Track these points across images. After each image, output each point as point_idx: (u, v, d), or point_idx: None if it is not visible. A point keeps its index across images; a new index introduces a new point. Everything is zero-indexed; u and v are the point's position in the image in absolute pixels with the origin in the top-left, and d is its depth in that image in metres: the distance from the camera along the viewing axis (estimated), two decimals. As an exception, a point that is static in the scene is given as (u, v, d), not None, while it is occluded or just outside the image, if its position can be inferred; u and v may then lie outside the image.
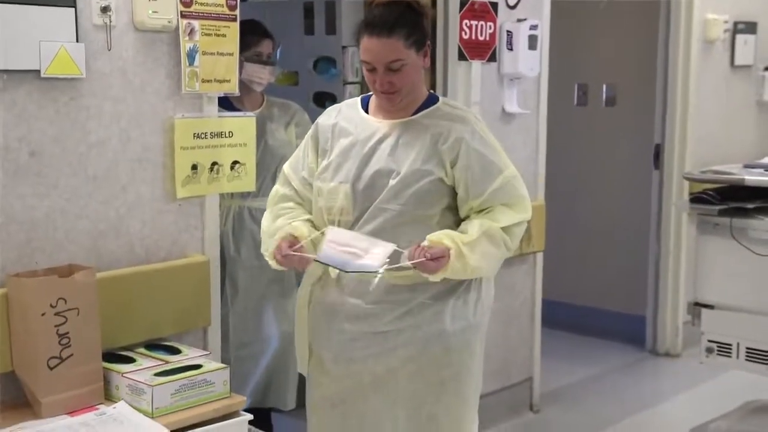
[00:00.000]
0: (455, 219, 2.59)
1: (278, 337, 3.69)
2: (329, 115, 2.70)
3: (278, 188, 2.76)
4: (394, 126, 2.59)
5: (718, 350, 4.10)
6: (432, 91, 2.76)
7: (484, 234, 2.50)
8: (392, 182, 2.53)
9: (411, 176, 2.52)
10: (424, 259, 2.40)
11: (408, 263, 2.42)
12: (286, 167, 2.76)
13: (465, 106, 2.81)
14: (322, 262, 2.50)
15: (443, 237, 2.46)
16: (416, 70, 2.55)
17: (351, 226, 2.57)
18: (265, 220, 2.72)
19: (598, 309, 5.68)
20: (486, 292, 2.68)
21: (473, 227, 2.50)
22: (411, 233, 2.51)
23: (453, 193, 2.57)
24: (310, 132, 2.72)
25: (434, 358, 2.59)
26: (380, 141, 2.58)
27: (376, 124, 2.61)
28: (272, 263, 2.60)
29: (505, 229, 2.54)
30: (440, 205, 2.55)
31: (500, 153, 2.61)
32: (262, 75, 3.59)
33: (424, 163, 2.53)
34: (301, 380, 3.77)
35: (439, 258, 2.42)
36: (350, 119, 2.65)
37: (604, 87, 5.68)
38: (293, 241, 2.54)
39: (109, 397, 2.58)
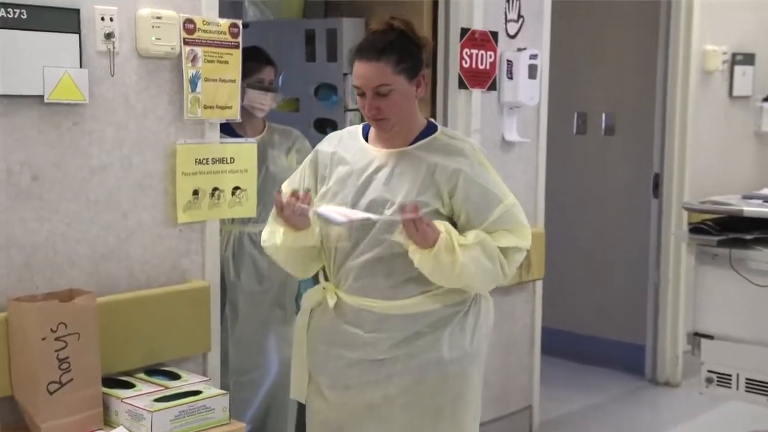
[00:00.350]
0: None
1: (279, 364, 3.68)
2: (330, 142, 2.71)
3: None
4: (391, 155, 2.59)
5: (718, 381, 4.09)
6: (432, 119, 2.76)
7: (479, 243, 2.50)
8: (387, 212, 2.53)
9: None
10: (420, 216, 2.40)
11: (401, 216, 2.42)
12: (284, 186, 2.77)
13: (464, 135, 2.81)
14: (320, 214, 2.50)
15: (440, 224, 2.48)
16: (406, 98, 2.55)
17: (348, 254, 2.58)
18: (266, 232, 2.71)
19: (597, 337, 5.66)
20: (484, 320, 2.68)
21: (470, 234, 2.52)
22: (407, 262, 2.51)
23: (450, 223, 2.58)
24: (309, 156, 2.73)
25: (430, 386, 2.59)
26: (376, 170, 2.59)
27: (373, 153, 2.62)
28: (272, 215, 2.61)
29: (502, 250, 2.54)
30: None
31: (499, 182, 2.62)
32: (264, 101, 3.61)
33: (420, 194, 2.53)
34: (300, 407, 3.77)
35: (433, 229, 2.44)
36: (349, 147, 2.66)
37: (603, 116, 5.70)
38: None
39: (108, 422, 2.57)
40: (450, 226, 2.50)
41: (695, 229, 4.12)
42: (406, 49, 2.53)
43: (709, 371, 4.12)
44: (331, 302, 2.61)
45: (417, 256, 2.47)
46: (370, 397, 2.61)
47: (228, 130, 3.30)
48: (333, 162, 2.65)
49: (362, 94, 2.54)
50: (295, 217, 2.51)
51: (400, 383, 2.58)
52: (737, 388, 4.08)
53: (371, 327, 2.58)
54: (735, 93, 5.46)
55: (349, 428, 2.65)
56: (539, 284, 4.40)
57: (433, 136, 2.62)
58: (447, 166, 2.55)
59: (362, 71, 2.52)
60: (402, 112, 2.55)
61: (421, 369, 2.57)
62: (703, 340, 4.11)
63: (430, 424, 2.60)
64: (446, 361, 2.58)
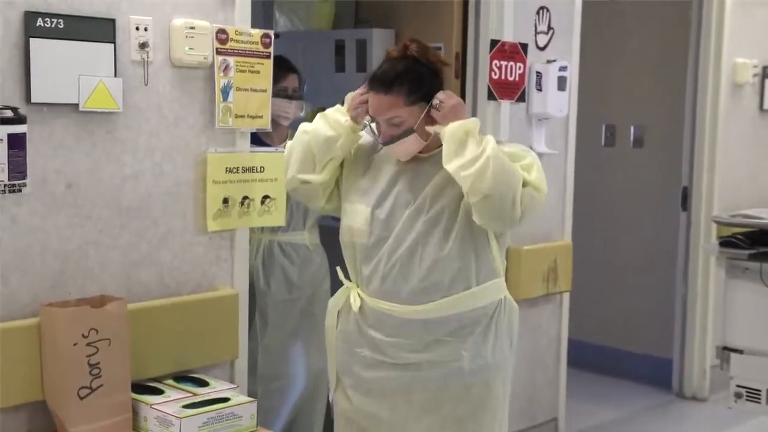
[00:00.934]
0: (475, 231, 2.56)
1: (308, 374, 3.69)
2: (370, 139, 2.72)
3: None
4: (417, 158, 2.61)
5: (747, 395, 4.05)
6: None
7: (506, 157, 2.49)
8: (408, 212, 2.55)
9: (424, 204, 2.54)
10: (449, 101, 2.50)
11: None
12: None
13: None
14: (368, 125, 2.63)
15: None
16: (424, 124, 2.54)
17: (368, 253, 2.59)
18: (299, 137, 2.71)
19: (624, 350, 5.63)
20: (508, 330, 2.66)
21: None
22: (426, 266, 2.52)
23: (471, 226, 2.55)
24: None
25: (452, 395, 2.58)
26: (402, 172, 2.61)
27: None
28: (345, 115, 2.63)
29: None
30: (457, 225, 2.53)
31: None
32: (289, 110, 3.63)
33: (440, 194, 2.54)
34: (327, 418, 3.78)
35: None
36: (372, 148, 2.69)
37: (632, 128, 5.68)
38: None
39: (137, 428, 2.60)
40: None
41: (725, 242, 4.10)
42: (418, 78, 2.53)
43: (738, 386, 4.09)
44: (355, 306, 2.63)
45: (448, 129, 2.47)
46: (391, 402, 2.61)
47: (254, 138, 3.32)
48: (372, 159, 2.68)
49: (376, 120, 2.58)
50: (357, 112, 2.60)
51: (422, 389, 2.59)
52: (767, 403, 4.04)
53: (392, 331, 2.59)
54: (765, 106, 5.42)
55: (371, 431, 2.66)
56: (566, 296, 4.39)
57: None
58: None
59: (374, 102, 2.55)
60: (423, 135, 2.55)
61: (442, 378, 2.58)
62: (733, 355, 4.08)
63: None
64: (467, 372, 2.57)
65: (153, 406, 2.58)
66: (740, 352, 4.06)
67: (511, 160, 2.51)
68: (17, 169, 2.44)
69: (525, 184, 2.50)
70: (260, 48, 3.02)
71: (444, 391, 2.58)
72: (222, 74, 2.91)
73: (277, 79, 3.51)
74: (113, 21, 2.65)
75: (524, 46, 4.01)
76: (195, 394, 2.68)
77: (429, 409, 2.59)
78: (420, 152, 2.60)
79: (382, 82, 2.53)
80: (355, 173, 2.68)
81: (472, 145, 2.45)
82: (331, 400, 2.81)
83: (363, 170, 2.67)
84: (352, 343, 2.66)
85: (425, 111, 2.54)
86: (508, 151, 2.54)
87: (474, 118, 2.53)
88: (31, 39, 2.49)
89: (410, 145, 2.56)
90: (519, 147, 2.62)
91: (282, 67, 3.62)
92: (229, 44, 2.92)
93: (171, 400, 2.62)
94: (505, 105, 3.98)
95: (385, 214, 2.58)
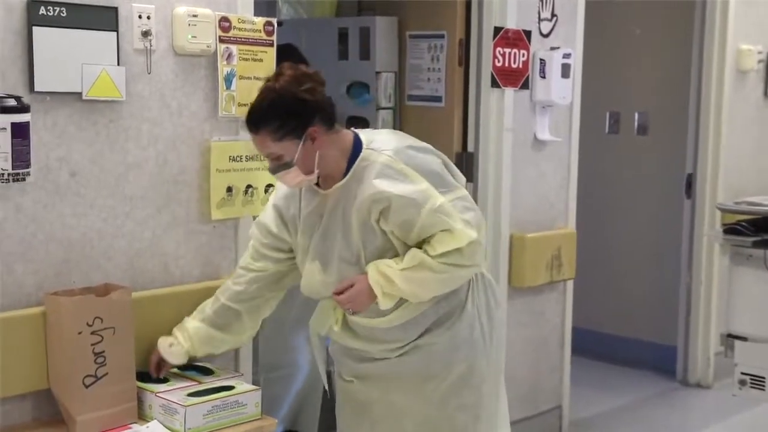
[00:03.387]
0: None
1: (311, 362, 3.69)
2: (283, 197, 2.66)
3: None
4: (334, 193, 2.54)
5: (751, 383, 4.05)
6: (356, 131, 2.61)
7: (411, 267, 2.46)
8: (343, 264, 2.54)
9: (354, 258, 2.54)
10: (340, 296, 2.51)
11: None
12: (256, 225, 2.73)
13: (381, 143, 2.55)
14: None
15: (370, 267, 2.50)
16: (302, 155, 2.46)
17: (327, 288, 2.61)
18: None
19: (628, 338, 5.63)
20: (486, 307, 2.66)
21: (407, 256, 2.48)
22: None
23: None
24: (271, 212, 2.68)
25: (434, 374, 2.62)
26: (331, 212, 2.55)
27: (322, 193, 2.57)
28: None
29: (443, 255, 2.45)
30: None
31: (422, 188, 2.46)
32: (296, 99, 3.62)
33: (363, 235, 2.51)
34: (324, 400, 3.78)
35: (349, 287, 2.50)
36: (299, 197, 2.62)
37: (636, 115, 5.66)
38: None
39: (142, 416, 2.61)
40: (378, 264, 2.49)
41: (730, 229, 4.09)
42: (285, 112, 2.43)
43: (743, 373, 4.09)
44: (336, 327, 2.65)
45: (379, 304, 2.52)
46: (384, 383, 2.66)
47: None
48: (293, 218, 2.64)
49: None
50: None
51: (408, 370, 2.63)
52: (771, 391, 4.05)
53: (378, 338, 2.63)
54: (770, 93, 5.41)
55: (364, 411, 2.70)
56: (570, 284, 4.39)
57: (356, 162, 2.52)
58: (365, 197, 2.48)
59: (251, 139, 2.51)
60: (304, 166, 2.48)
61: (423, 359, 2.61)
62: (737, 342, 4.07)
63: (438, 410, 2.63)
64: (445, 352, 2.60)
65: (158, 394, 2.58)
66: (744, 339, 4.06)
67: (430, 229, 2.46)
68: (21, 158, 2.44)
69: (448, 256, 2.46)
70: (263, 36, 3.01)
71: (426, 371, 2.62)
72: (225, 62, 2.91)
73: (286, 69, 3.50)
74: (116, 9, 2.65)
75: (528, 33, 4.00)
76: (200, 383, 2.69)
77: (415, 387, 2.64)
78: (321, 186, 2.55)
79: (249, 123, 2.48)
80: (293, 234, 2.64)
81: (404, 294, 2.51)
82: (325, 385, 2.89)
83: (295, 229, 2.63)
84: (341, 342, 2.70)
85: (301, 143, 2.45)
86: (422, 222, 2.45)
87: (370, 284, 2.49)
88: (34, 27, 2.49)
89: (293, 177, 2.50)
90: (432, 210, 2.45)
91: (291, 57, 3.60)
92: (232, 32, 2.92)
93: (176, 389, 2.63)
94: (509, 92, 3.97)
95: (330, 263, 2.56)
